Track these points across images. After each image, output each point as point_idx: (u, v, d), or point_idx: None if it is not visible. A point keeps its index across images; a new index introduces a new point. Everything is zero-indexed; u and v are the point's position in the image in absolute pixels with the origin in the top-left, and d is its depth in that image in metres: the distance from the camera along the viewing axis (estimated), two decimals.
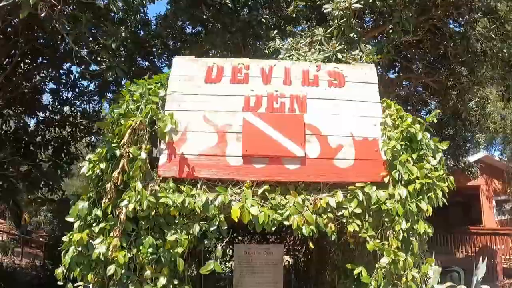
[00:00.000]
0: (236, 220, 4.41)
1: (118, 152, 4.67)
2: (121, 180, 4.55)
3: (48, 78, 11.42)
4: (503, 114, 18.93)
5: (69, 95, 11.67)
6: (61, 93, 11.44)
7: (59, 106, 11.66)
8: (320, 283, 7.75)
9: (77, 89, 11.56)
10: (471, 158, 18.45)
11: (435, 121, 5.20)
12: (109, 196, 4.56)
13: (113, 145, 4.73)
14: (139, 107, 4.88)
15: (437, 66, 11.20)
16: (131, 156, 4.57)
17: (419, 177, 4.74)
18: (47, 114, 11.57)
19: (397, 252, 4.54)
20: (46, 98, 12.37)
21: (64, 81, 11.28)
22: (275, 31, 9.56)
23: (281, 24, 11.22)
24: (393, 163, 4.78)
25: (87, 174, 4.74)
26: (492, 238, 13.67)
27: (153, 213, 4.56)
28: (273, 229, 4.52)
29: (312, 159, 4.78)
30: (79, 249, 4.67)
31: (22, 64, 10.91)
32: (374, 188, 4.72)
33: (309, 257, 8.77)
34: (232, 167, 4.69)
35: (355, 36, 7.82)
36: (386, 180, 4.80)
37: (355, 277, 5.02)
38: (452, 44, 9.87)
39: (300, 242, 9.37)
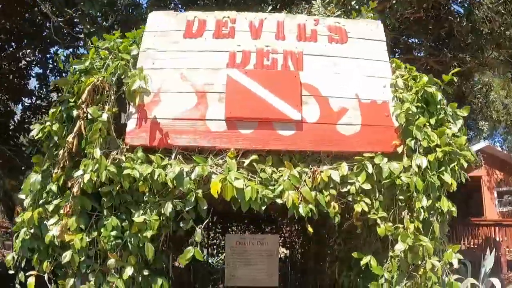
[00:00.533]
0: (216, 195, 3.38)
1: (75, 113, 3.67)
2: (77, 146, 3.56)
3: (34, 63, 10.40)
4: (505, 103, 17.87)
5: None
6: (47, 78, 10.40)
7: (45, 92, 10.62)
8: (319, 276, 6.72)
9: (64, 74, 10.53)
10: (473, 148, 17.40)
11: (455, 80, 4.20)
12: (61, 165, 3.57)
13: (70, 104, 3.73)
14: (106, 65, 3.88)
15: (441, 47, 10.17)
16: (90, 117, 3.58)
17: (440, 144, 3.74)
18: (33, 100, 10.53)
19: (418, 236, 3.52)
20: (32, 84, 11.33)
21: (50, 65, 10.25)
22: (270, 8, 8.53)
23: (277, 6, 10.20)
24: (408, 129, 3.77)
25: (36, 137, 3.74)
26: (495, 230, 12.67)
27: (117, 188, 3.57)
28: (263, 208, 3.49)
29: (310, 124, 3.76)
30: (32, 231, 3.71)
31: (6, 46, 9.92)
32: (386, 159, 3.71)
33: (307, 247, 7.72)
34: (213, 133, 3.66)
35: (355, 5, 6.80)
36: (399, 150, 3.79)
37: (362, 268, 4.03)
38: (458, 20, 8.84)
39: (297, 233, 8.34)
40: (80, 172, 3.45)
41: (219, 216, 8.13)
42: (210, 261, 8.77)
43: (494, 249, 8.85)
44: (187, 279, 7.46)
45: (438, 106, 3.96)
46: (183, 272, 7.52)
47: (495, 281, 8.36)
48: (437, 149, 3.72)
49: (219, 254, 8.75)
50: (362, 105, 3.91)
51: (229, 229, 8.47)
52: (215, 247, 8.64)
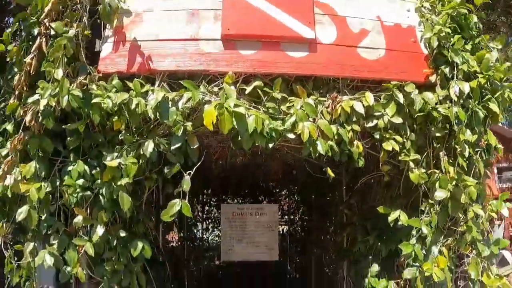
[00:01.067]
0: (210, 127, 2.50)
1: (36, 31, 2.82)
2: (36, 67, 2.71)
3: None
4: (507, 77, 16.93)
5: None
6: None
7: None
8: (323, 246, 5.87)
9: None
10: None
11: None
12: (17, 93, 2.71)
13: (31, 21, 2.88)
14: None
15: None
16: (53, 33, 2.72)
17: (481, 71, 2.91)
18: None
19: (462, 176, 2.70)
20: None
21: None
22: None
23: None
24: (441, 54, 2.95)
25: None
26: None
27: (85, 124, 2.70)
28: (271, 145, 2.62)
29: (326, 45, 2.88)
30: None
31: None
32: (417, 90, 2.87)
33: (309, 217, 6.87)
34: (207, 55, 2.77)
35: None
36: (432, 80, 2.95)
37: (383, 229, 3.31)
38: None
39: (296, 204, 7.48)
40: (35, 97, 2.57)
41: (214, 187, 7.29)
42: (205, 236, 7.91)
43: (503, 221, 8.10)
44: (182, 255, 6.60)
45: (473, 32, 3.14)
46: (176, 248, 6.67)
47: (506, 253, 7.60)
48: (478, 75, 2.90)
49: (215, 229, 7.88)
50: (385, 28, 3.07)
51: (225, 202, 7.59)
52: (210, 221, 7.76)
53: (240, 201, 7.63)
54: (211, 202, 7.62)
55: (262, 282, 6.91)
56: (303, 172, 5.17)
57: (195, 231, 7.47)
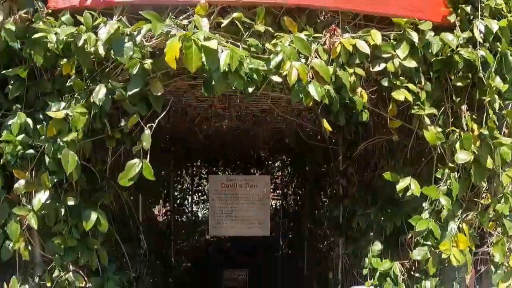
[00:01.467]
0: (173, 64, 1.88)
1: None
2: None
3: None
4: None
5: None
6: None
7: None
8: (317, 221, 5.32)
9: None
10: None
11: None
12: None
13: None
14: None
15: None
16: None
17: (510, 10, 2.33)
18: None
19: (493, 132, 2.14)
20: None
21: None
22: None
23: None
24: None
25: None
26: None
27: (28, 68, 2.12)
28: (250, 90, 2.02)
29: None
30: None
31: None
32: (433, 33, 2.27)
33: (304, 188, 6.30)
34: None
35: None
36: (451, 20, 2.35)
37: (386, 202, 2.83)
38: None
39: (289, 176, 6.91)
40: None
41: (203, 158, 6.74)
42: (195, 210, 7.38)
43: None
44: (168, 229, 6.07)
45: None
46: (161, 222, 6.14)
47: None
48: (507, 14, 2.31)
49: (206, 203, 7.34)
50: None
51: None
52: (200, 194, 7.21)
53: (229, 172, 7.07)
54: (201, 174, 7.06)
55: (253, 257, 6.42)
56: (296, 140, 4.60)
57: (186, 203, 6.96)
